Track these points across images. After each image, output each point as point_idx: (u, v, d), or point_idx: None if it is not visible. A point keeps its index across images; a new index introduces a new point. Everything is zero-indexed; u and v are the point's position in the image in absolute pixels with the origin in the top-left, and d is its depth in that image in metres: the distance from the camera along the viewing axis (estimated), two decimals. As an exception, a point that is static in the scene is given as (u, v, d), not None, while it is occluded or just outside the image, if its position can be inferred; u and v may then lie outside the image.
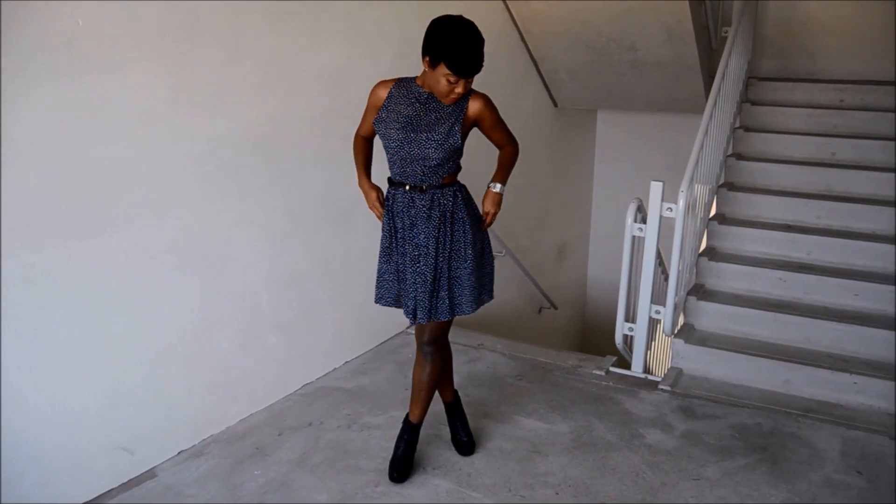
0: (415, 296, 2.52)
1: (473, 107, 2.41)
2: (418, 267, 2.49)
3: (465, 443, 2.92)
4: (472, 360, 3.80)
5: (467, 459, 2.89)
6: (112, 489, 2.62)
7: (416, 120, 2.40)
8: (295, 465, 2.83)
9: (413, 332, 4.09)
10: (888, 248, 3.92)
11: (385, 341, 4.00)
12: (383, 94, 2.48)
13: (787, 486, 2.75)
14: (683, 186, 3.54)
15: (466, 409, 3.01)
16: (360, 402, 3.33)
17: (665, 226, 3.62)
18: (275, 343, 3.29)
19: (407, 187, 2.47)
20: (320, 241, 3.46)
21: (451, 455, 2.91)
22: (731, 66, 4.36)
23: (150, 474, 2.73)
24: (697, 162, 3.69)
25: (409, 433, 2.77)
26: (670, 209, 3.55)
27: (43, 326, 2.35)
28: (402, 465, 2.74)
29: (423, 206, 2.46)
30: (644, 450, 2.98)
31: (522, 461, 2.89)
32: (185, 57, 2.68)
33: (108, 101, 2.43)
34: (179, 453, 2.87)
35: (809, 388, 3.47)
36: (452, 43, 2.23)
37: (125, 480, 2.67)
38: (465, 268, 2.52)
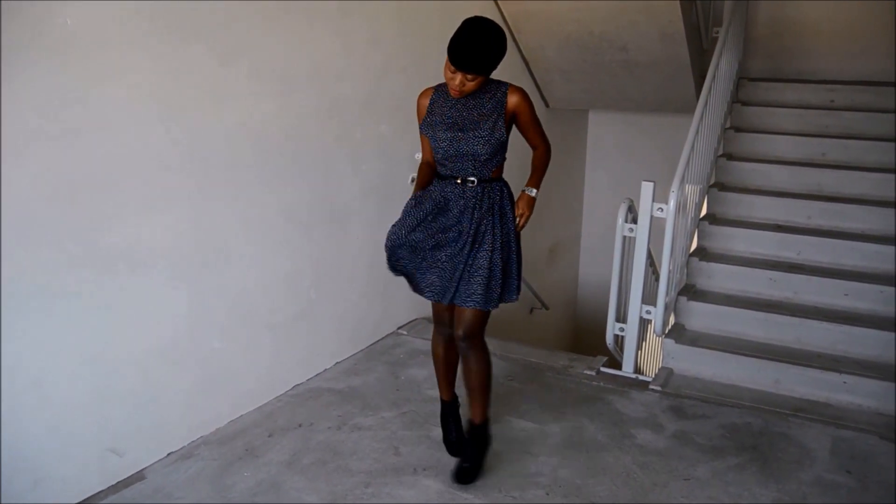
0: (440, 276, 2.55)
1: (512, 100, 2.52)
2: (467, 254, 2.52)
3: (457, 444, 2.91)
4: (464, 360, 3.79)
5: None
6: (101, 491, 2.60)
7: (461, 119, 2.49)
8: (285, 466, 2.82)
9: (405, 332, 4.11)
10: (878, 248, 3.95)
11: (376, 342, 3.99)
12: (426, 101, 2.58)
13: (777, 486, 2.76)
14: (674, 187, 3.54)
15: (456, 409, 3.00)
16: (350, 402, 3.32)
17: (656, 226, 3.63)
18: (266, 343, 3.27)
19: (458, 180, 2.54)
20: (313, 241, 3.45)
21: (442, 455, 2.90)
22: (722, 67, 4.38)
23: (139, 476, 2.71)
24: (688, 162, 3.70)
25: (472, 432, 2.78)
26: (661, 209, 3.56)
27: (32, 327, 2.32)
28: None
29: (474, 196, 2.53)
30: (635, 450, 2.99)
31: (513, 461, 2.89)
32: (178, 57, 2.66)
33: (100, 101, 2.41)
34: (168, 455, 2.86)
35: (800, 388, 3.48)
36: (455, 34, 2.33)
37: (114, 482, 2.65)
38: (512, 260, 2.61)
